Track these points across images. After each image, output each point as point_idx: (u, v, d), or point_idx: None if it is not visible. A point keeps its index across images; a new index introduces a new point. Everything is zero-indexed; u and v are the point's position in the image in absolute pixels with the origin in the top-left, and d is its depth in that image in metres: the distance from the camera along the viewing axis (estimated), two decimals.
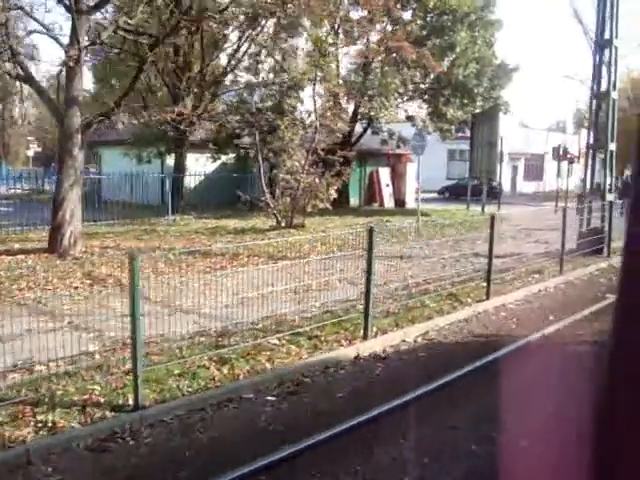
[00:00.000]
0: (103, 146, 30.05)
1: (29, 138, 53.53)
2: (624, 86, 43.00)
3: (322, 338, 7.08)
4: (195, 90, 20.58)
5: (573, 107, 46.36)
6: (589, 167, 14.07)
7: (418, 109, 25.64)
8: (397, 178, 28.36)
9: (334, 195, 16.11)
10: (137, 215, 19.57)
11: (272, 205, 15.81)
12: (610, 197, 13.87)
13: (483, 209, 24.01)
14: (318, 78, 17.67)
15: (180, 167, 21.59)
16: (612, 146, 13.71)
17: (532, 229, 18.71)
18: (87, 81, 35.32)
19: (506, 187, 40.65)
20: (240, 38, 21.81)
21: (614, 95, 13.47)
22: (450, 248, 14.12)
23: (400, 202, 28.02)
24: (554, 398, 5.25)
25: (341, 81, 22.58)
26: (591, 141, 13.93)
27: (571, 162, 27.04)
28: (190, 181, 24.22)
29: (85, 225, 17.13)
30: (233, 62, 21.63)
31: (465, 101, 22.07)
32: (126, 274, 10.76)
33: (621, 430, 0.84)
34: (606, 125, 13.40)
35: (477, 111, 22.86)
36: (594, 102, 13.61)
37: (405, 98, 24.53)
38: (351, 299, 8.74)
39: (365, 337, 7.08)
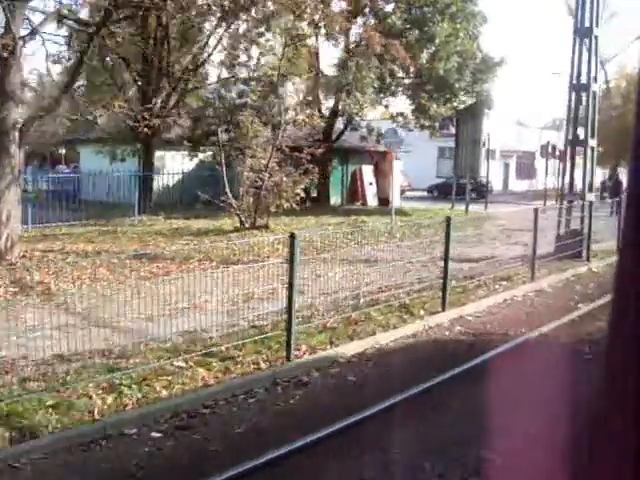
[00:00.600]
0: (82, 144, 29.35)
1: None
2: (618, 83, 42.09)
3: (239, 359, 6.21)
4: (164, 85, 19.69)
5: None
6: (568, 165, 13.19)
7: (403, 105, 24.77)
8: (381, 176, 27.46)
9: (301, 194, 15.23)
10: (107, 215, 18.77)
11: (235, 205, 14.94)
12: (590, 197, 13.00)
13: (467, 209, 23.16)
14: (288, 73, 16.80)
15: (148, 165, 20.71)
16: (592, 142, 12.83)
17: (515, 229, 17.80)
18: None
19: (498, 185, 39.79)
20: (211, 32, 20.96)
21: (594, 87, 12.58)
22: (421, 251, 13.26)
23: (384, 201, 27.11)
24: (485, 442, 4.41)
25: (320, 76, 21.75)
26: (570, 137, 13.02)
27: (561, 160, 26.17)
28: (166, 179, 23.46)
29: (45, 226, 16.38)
30: (204, 57, 20.75)
31: (448, 96, 21.14)
32: (60, 281, 10.03)
33: (618, 430, 0.83)
34: (586, 120, 12.50)
35: (461, 107, 21.93)
36: (573, 95, 12.71)
37: (387, 94, 23.64)
38: None
39: (288, 358, 6.22)
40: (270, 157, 14.62)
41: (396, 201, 27.98)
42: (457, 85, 20.10)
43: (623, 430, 0.84)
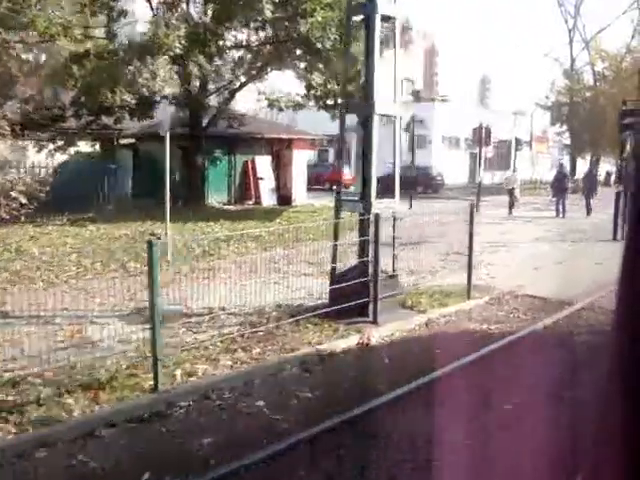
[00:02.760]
0: None
1: None
2: (592, 60, 35.90)
3: None
4: None
5: (548, 88, 38.95)
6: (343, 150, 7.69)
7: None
8: (282, 169, 22.23)
9: (21, 200, 10.15)
10: None
11: None
12: (389, 204, 7.58)
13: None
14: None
15: None
16: (391, 109, 7.36)
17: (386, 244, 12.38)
18: None
19: (463, 178, 34.05)
20: None
21: (388, 10, 7.02)
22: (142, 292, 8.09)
23: (285, 198, 21.87)
24: None
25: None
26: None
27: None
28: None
29: None
30: None
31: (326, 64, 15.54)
32: None
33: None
34: (367, 70, 6.99)
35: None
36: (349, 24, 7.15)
37: (272, 67, 18.30)
38: None
39: None
40: None
41: (301, 197, 22.79)
42: (320, 46, 14.41)
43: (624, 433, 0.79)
